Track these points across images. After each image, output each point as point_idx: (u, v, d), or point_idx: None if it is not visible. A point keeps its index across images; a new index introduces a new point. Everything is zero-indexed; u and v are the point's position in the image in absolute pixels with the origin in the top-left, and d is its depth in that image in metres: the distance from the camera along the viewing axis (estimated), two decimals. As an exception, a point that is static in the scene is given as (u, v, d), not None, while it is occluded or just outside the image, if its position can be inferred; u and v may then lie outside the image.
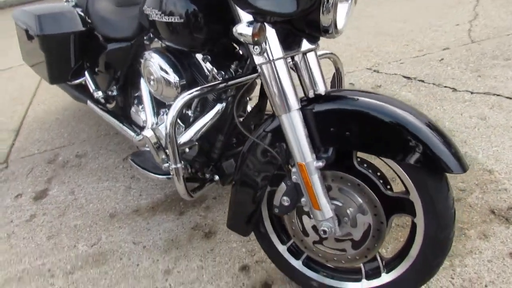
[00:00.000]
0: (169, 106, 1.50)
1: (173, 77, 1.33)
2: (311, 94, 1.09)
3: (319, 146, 1.03)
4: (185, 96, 1.06)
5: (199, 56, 1.33)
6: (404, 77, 2.44)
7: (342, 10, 0.99)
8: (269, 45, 0.96)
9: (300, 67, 1.11)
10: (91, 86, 1.88)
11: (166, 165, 1.17)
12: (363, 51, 2.86)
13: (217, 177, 1.44)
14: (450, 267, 1.29)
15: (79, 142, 2.45)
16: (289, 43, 1.02)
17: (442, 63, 2.53)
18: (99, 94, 1.80)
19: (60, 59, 1.90)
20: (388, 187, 1.06)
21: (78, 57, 1.97)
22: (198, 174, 1.48)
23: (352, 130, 0.97)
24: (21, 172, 2.27)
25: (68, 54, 1.90)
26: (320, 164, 1.00)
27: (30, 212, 1.92)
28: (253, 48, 0.96)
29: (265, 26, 0.93)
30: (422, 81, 2.36)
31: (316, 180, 1.01)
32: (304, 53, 1.10)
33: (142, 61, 1.44)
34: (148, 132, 1.25)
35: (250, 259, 1.44)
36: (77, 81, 2.03)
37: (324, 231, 1.03)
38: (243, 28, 0.92)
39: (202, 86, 1.09)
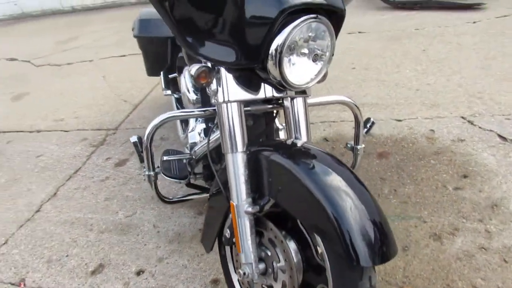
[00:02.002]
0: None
1: (191, 95, 1.49)
2: (288, 142, 1.10)
3: (263, 192, 1.05)
4: (163, 116, 1.21)
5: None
6: (500, 136, 2.05)
7: (300, 66, 0.98)
8: (222, 87, 1.02)
9: (288, 112, 1.13)
10: (162, 84, 2.18)
11: (144, 169, 1.35)
12: (471, 95, 2.48)
13: (215, 191, 1.55)
14: None
15: (169, 127, 2.84)
16: (252, 87, 1.06)
17: (559, 132, 2.03)
18: (167, 92, 2.09)
19: (151, 56, 2.26)
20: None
21: (171, 57, 2.30)
22: (206, 184, 1.62)
23: (283, 187, 0.97)
24: (120, 140, 2.77)
25: (159, 54, 2.24)
26: (250, 209, 1.02)
27: (107, 175, 2.36)
28: (207, 88, 1.04)
29: (212, 70, 0.99)
30: (518, 146, 1.95)
31: (243, 224, 1.04)
32: (292, 99, 1.12)
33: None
34: (133, 138, 1.45)
35: (224, 275, 1.52)
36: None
37: (240, 274, 1.05)
38: (193, 70, 1.00)
39: (180, 111, 1.22)
